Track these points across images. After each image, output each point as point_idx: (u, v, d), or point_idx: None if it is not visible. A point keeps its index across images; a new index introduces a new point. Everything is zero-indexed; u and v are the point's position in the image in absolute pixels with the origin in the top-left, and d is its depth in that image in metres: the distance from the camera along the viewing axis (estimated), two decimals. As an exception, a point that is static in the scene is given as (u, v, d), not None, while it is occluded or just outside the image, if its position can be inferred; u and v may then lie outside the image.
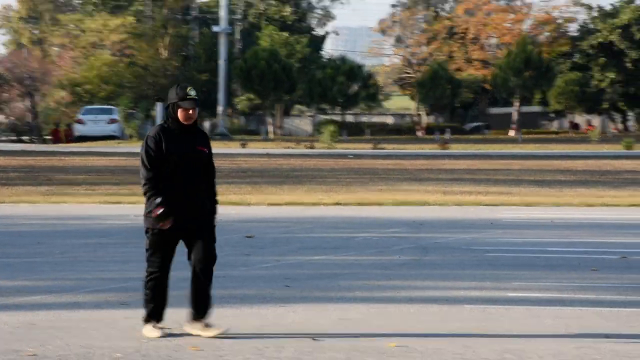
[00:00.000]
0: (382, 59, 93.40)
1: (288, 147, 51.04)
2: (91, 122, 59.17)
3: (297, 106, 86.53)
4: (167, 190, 8.02)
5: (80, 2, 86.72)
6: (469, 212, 20.24)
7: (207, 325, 8.12)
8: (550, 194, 25.00)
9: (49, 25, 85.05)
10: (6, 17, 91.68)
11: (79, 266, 12.44)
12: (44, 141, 68.45)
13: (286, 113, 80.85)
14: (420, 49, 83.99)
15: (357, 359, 7.52)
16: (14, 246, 14.43)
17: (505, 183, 28.34)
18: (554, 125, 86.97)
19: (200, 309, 8.11)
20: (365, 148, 51.14)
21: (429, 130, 74.22)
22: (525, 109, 78.14)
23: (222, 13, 68.56)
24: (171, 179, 8.00)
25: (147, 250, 8.16)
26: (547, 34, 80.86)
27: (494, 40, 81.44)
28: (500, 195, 24.28)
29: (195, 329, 8.14)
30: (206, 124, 74.02)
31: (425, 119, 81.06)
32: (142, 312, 8.30)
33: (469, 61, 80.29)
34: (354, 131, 71.90)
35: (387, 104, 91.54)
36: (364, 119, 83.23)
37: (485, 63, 78.99)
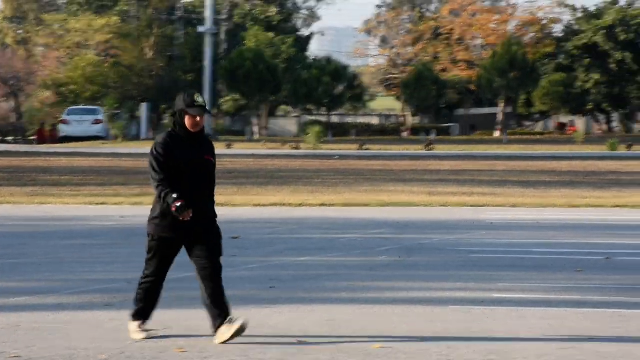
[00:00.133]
0: (368, 60, 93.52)
1: (273, 148, 51.02)
2: (76, 123, 59.03)
3: (283, 107, 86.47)
4: None
5: (65, 2, 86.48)
6: (453, 213, 20.27)
7: (231, 321, 7.94)
8: (535, 194, 25.06)
9: (34, 25, 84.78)
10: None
11: (63, 267, 12.41)
12: (29, 142, 68.23)
13: (271, 114, 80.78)
14: (405, 50, 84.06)
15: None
16: (-1, 247, 14.39)
17: (490, 184, 28.40)
18: (539, 126, 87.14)
19: (224, 309, 7.97)
20: (350, 149, 51.17)
21: (414, 131, 74.28)
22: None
23: (208, 13, 68.48)
24: (176, 185, 7.96)
25: (147, 253, 8.14)
26: (531, 35, 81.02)
27: (479, 41, 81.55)
28: (485, 196, 24.33)
29: (223, 334, 7.91)
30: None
31: (411, 120, 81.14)
32: (127, 313, 8.30)
33: (454, 62, 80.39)
34: (339, 132, 71.90)
35: (372, 105, 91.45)
36: (350, 119, 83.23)
37: (470, 64, 79.11)
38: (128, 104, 70.31)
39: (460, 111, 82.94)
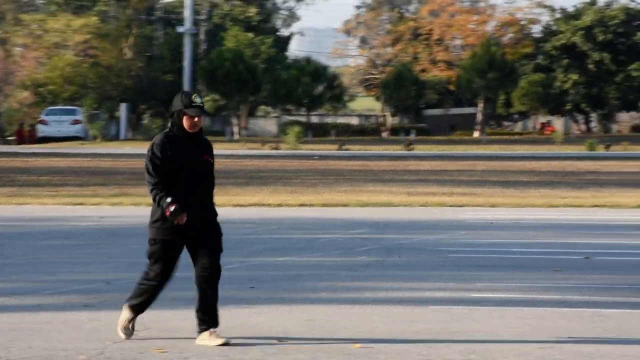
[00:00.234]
0: (347, 60, 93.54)
1: (253, 148, 50.97)
2: (54, 123, 58.80)
3: (262, 107, 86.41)
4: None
5: (44, 2, 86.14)
6: (433, 213, 20.31)
7: (214, 334, 7.97)
8: (514, 194, 25.13)
9: (12, 25, 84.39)
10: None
11: (42, 268, 12.36)
12: (7, 142, 67.93)
13: (251, 114, 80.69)
14: (385, 50, 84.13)
15: (322, 360, 7.53)
16: (-23, 248, 14.32)
17: (470, 184, 28.47)
18: (518, 126, 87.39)
19: (212, 320, 7.97)
20: (330, 149, 51.17)
21: (394, 131, 74.33)
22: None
23: (187, 13, 68.37)
24: (174, 186, 7.92)
25: (148, 258, 8.06)
26: (510, 35, 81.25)
27: (458, 42, 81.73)
28: (464, 196, 24.38)
29: (204, 339, 7.95)
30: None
31: (390, 120, 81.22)
32: (107, 314, 8.27)
33: (433, 62, 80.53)
34: (319, 132, 71.87)
35: (352, 105, 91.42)
36: (329, 120, 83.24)
37: (449, 64, 79.26)
38: (107, 104, 70.09)
39: (434, 111, 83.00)
